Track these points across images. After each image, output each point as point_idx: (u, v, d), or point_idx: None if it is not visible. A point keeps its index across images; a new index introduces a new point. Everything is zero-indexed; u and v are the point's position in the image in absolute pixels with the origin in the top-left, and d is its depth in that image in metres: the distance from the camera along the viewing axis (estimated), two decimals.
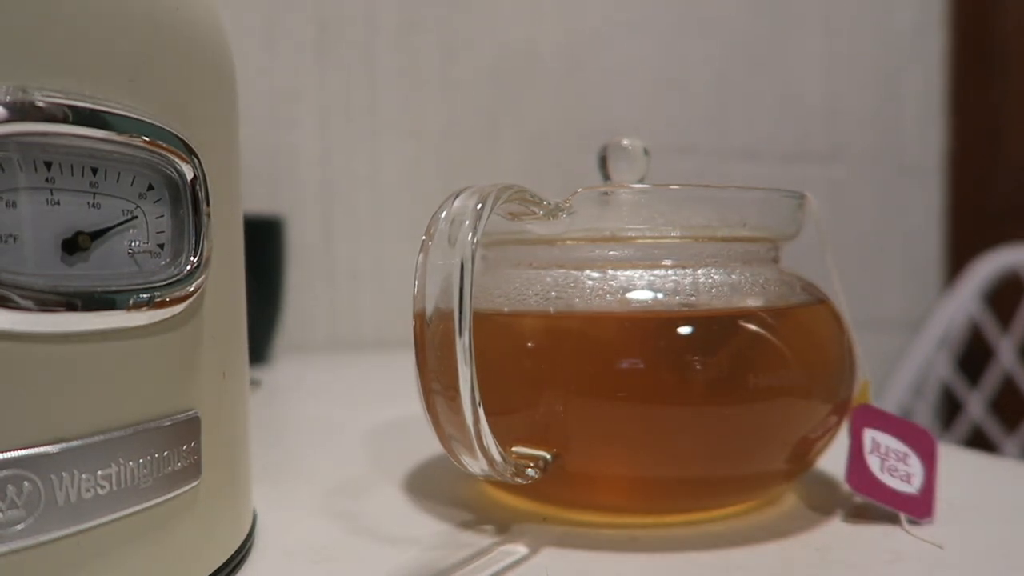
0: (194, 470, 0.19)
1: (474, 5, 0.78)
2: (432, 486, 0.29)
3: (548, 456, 0.23)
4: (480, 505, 0.27)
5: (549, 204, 0.23)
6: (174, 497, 0.18)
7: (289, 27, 0.73)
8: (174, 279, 0.18)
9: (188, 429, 0.19)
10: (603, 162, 0.28)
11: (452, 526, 0.25)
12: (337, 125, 0.74)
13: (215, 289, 0.20)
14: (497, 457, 0.20)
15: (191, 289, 0.18)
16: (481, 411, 0.19)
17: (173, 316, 0.18)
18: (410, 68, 0.77)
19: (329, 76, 0.74)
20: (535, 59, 0.80)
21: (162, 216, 0.18)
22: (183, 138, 0.18)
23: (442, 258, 0.19)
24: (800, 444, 0.24)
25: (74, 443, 0.16)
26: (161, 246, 0.18)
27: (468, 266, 0.19)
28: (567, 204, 0.24)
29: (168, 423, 0.18)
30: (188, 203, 0.18)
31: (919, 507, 0.25)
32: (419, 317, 0.19)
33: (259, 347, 0.62)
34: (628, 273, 0.24)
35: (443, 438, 0.20)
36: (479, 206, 0.20)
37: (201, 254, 0.19)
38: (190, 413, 0.19)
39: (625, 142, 0.28)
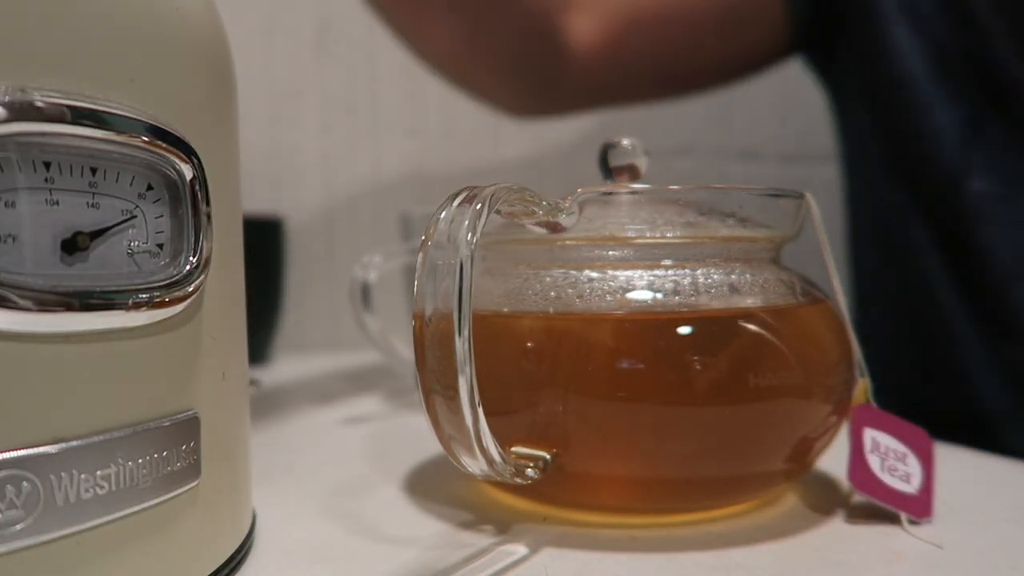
0: (194, 470, 0.19)
1: None
2: (432, 486, 0.29)
3: (548, 456, 0.23)
4: (480, 505, 0.27)
5: (549, 204, 0.23)
6: (174, 497, 0.18)
7: (289, 27, 0.73)
8: (174, 279, 0.18)
9: (188, 429, 0.19)
10: (603, 162, 0.28)
11: (452, 526, 0.25)
12: (338, 125, 0.74)
13: (215, 289, 0.20)
14: (497, 457, 0.20)
15: (191, 289, 0.18)
16: (480, 411, 0.19)
17: (173, 316, 0.18)
18: (411, 67, 0.77)
19: (329, 75, 0.74)
20: None
21: (161, 216, 0.18)
22: (183, 138, 0.18)
23: (441, 258, 0.19)
24: (800, 444, 0.24)
25: (73, 443, 0.16)
26: (160, 246, 0.18)
27: (467, 266, 0.19)
28: (567, 204, 0.24)
29: (168, 423, 0.18)
30: (188, 203, 0.18)
31: (919, 507, 0.25)
32: (418, 317, 0.19)
33: (259, 347, 0.62)
34: (628, 273, 0.24)
35: (443, 438, 0.20)
36: (479, 206, 0.20)
37: (201, 254, 0.19)
38: (190, 413, 0.19)
39: (625, 142, 0.28)
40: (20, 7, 0.15)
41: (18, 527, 0.15)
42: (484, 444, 0.20)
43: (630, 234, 0.25)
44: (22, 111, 0.15)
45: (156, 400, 0.18)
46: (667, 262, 0.25)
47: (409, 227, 0.46)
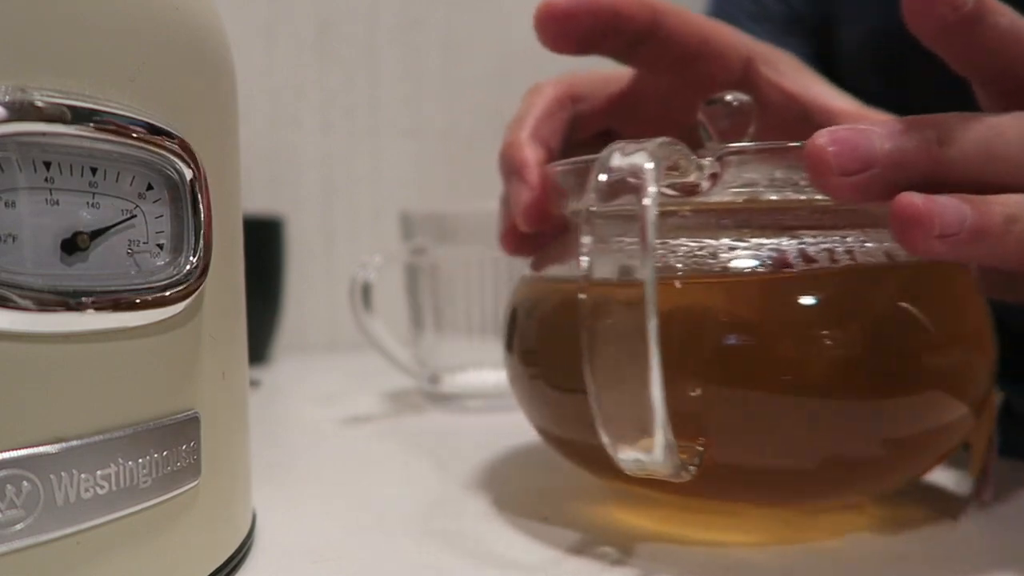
0: (194, 470, 0.19)
1: (475, 4, 0.78)
2: (432, 486, 0.30)
3: (700, 449, 0.20)
4: (480, 506, 0.27)
5: (703, 164, 0.21)
6: (174, 497, 0.18)
7: (289, 27, 0.73)
8: (174, 279, 0.18)
9: (188, 429, 0.19)
10: (704, 120, 0.25)
11: (452, 526, 0.25)
12: (338, 125, 0.74)
13: (215, 289, 0.20)
14: (673, 448, 0.18)
15: (191, 289, 0.18)
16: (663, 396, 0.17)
17: (173, 316, 0.18)
18: (411, 67, 0.77)
19: (330, 76, 0.74)
20: (536, 58, 0.80)
21: (162, 216, 0.18)
22: (183, 138, 0.18)
23: (606, 223, 0.17)
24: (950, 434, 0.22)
25: (73, 443, 0.16)
26: (160, 246, 0.18)
27: (651, 233, 0.17)
28: (707, 163, 0.21)
29: (168, 423, 0.18)
30: (188, 203, 0.18)
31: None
32: (587, 287, 0.17)
33: (259, 347, 0.62)
34: (773, 241, 0.21)
35: (608, 428, 0.18)
36: (651, 165, 0.17)
37: (201, 254, 0.19)
38: (190, 413, 0.19)
39: (729, 97, 0.25)
40: (20, 7, 0.15)
41: (18, 527, 0.15)
42: (665, 433, 0.17)
43: (773, 196, 0.21)
44: (22, 111, 0.15)
45: (156, 400, 0.18)
46: (817, 227, 0.22)
47: (409, 227, 0.46)
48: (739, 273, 0.21)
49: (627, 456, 0.18)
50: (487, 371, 0.46)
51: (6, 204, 0.15)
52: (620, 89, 0.32)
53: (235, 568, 0.21)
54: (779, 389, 0.20)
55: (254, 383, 0.52)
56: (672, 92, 0.29)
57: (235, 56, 0.22)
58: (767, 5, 0.54)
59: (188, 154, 0.18)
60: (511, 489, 0.29)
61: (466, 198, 0.77)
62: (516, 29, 0.80)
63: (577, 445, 0.25)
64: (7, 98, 0.14)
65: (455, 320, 0.45)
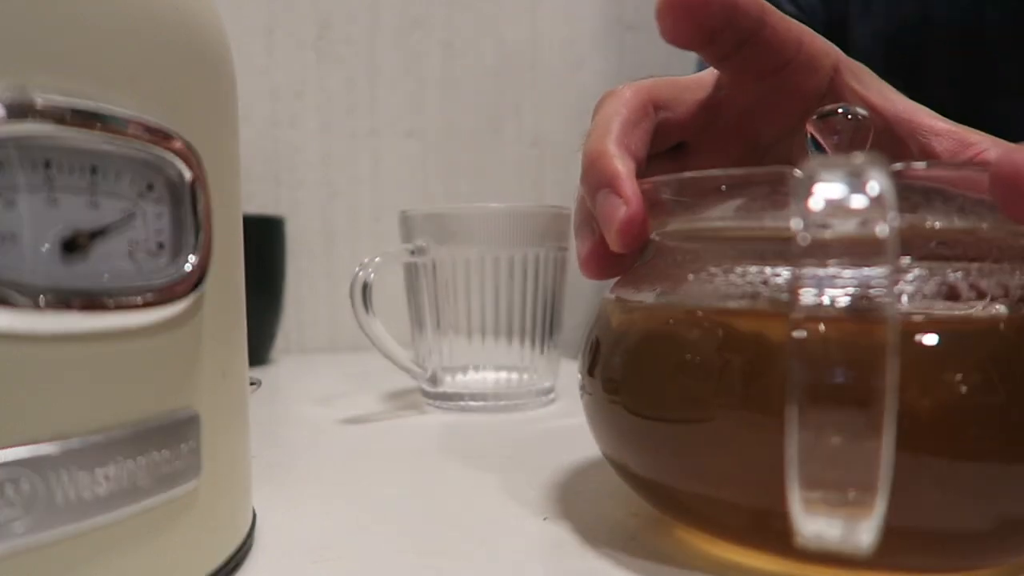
0: (193, 470, 0.19)
1: (475, 4, 0.78)
2: (432, 486, 0.30)
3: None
4: (473, 516, 0.27)
5: None
6: (173, 497, 0.18)
7: (289, 27, 0.73)
8: (173, 279, 0.18)
9: (188, 429, 0.19)
10: (815, 134, 0.23)
11: (452, 527, 0.25)
12: (337, 125, 0.74)
13: (215, 289, 0.20)
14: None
15: (191, 289, 0.18)
16: None
17: (173, 316, 0.18)
18: (411, 67, 0.77)
19: (329, 76, 0.74)
20: (536, 58, 0.80)
21: (162, 216, 0.18)
22: (183, 138, 0.18)
23: (824, 259, 0.15)
24: None
25: (73, 442, 0.16)
26: (160, 246, 0.18)
27: (895, 261, 0.15)
28: None
29: (168, 423, 0.18)
30: (188, 203, 0.18)
31: None
32: (805, 325, 0.15)
33: (259, 347, 0.62)
34: (939, 276, 0.19)
35: (809, 491, 0.15)
36: (879, 189, 0.15)
37: (201, 254, 0.19)
38: (190, 413, 0.19)
39: (841, 109, 0.22)
40: (20, 7, 0.15)
41: (18, 527, 0.15)
42: (885, 499, 0.14)
43: (937, 224, 0.19)
44: (22, 111, 0.15)
45: (156, 400, 0.18)
46: (982, 259, 0.19)
47: (409, 227, 0.46)
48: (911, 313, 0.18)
49: (820, 528, 0.15)
50: (487, 371, 0.46)
51: (6, 203, 0.15)
52: (702, 98, 0.29)
53: (235, 568, 0.21)
54: (969, 449, 0.17)
55: (254, 383, 0.52)
56: (754, 105, 0.28)
57: (235, 56, 0.22)
58: (780, 5, 0.53)
59: (188, 154, 0.18)
60: (514, 490, 0.29)
61: (466, 198, 0.77)
62: (516, 29, 0.80)
63: (664, 489, 0.22)
64: (7, 98, 0.14)
65: (455, 320, 0.45)
